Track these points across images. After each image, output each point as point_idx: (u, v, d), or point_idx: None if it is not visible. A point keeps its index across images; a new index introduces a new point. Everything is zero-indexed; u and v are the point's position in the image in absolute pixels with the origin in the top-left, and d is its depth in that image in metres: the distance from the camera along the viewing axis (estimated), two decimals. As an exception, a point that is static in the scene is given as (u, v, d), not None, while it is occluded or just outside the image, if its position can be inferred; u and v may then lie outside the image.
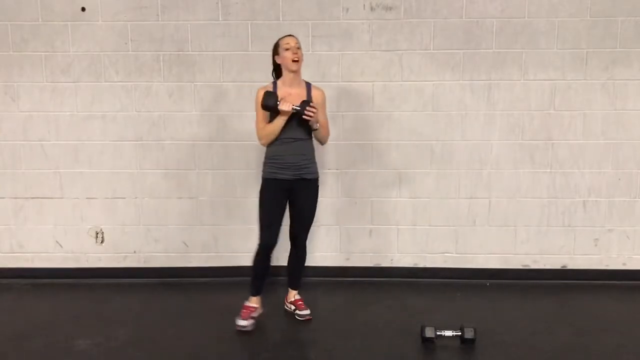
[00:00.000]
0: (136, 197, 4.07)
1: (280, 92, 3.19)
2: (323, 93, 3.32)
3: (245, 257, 4.11)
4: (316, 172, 3.32)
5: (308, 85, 3.31)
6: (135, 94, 3.96)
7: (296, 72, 3.23)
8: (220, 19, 3.87)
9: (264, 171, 3.28)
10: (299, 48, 3.21)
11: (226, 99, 3.95)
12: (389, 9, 3.83)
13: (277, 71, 3.31)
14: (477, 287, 3.97)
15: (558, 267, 4.06)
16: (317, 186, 3.34)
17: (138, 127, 3.99)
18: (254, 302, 3.37)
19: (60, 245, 4.13)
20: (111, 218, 4.09)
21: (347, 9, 3.84)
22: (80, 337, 3.21)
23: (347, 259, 4.13)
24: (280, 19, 3.85)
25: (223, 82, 3.93)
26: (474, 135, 3.94)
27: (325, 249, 4.12)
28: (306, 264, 4.11)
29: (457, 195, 4.01)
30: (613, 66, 3.84)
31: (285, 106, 3.09)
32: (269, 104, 3.11)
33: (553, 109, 3.90)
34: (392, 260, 4.11)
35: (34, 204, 4.08)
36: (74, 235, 4.11)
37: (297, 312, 3.46)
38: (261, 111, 3.17)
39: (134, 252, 4.13)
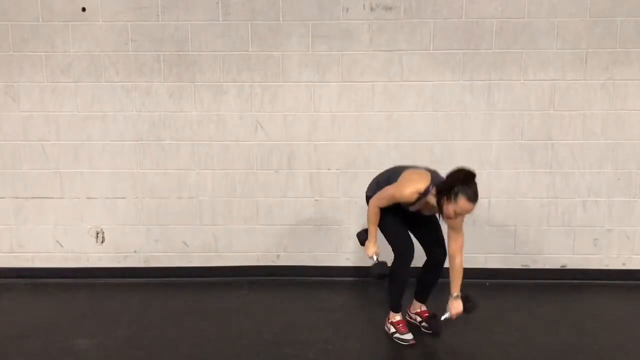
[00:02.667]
0: (136, 197, 4.07)
1: (423, 200, 2.97)
2: None
3: (245, 257, 4.14)
4: None
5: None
6: (135, 94, 3.96)
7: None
8: (220, 19, 3.87)
9: None
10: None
11: (226, 99, 3.95)
12: (389, 9, 3.83)
13: (442, 191, 2.87)
14: (477, 287, 3.96)
15: (558, 267, 4.06)
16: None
17: (138, 127, 3.99)
18: (399, 316, 3.25)
19: (61, 245, 4.13)
20: (111, 218, 4.09)
21: (347, 9, 3.84)
22: (80, 337, 3.21)
23: (347, 259, 4.13)
24: (280, 19, 3.85)
25: (223, 82, 3.93)
26: (474, 135, 3.94)
27: (324, 249, 4.12)
28: (306, 264, 4.15)
29: (457, 195, 4.00)
30: (613, 66, 3.84)
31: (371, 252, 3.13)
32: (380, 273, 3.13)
33: (553, 109, 3.90)
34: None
35: (34, 203, 4.08)
36: (74, 235, 4.12)
37: (424, 323, 3.31)
38: (391, 194, 2.99)
39: (134, 252, 4.13)
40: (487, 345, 3.10)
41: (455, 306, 3.07)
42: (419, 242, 3.24)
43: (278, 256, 4.13)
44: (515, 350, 3.06)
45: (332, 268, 4.11)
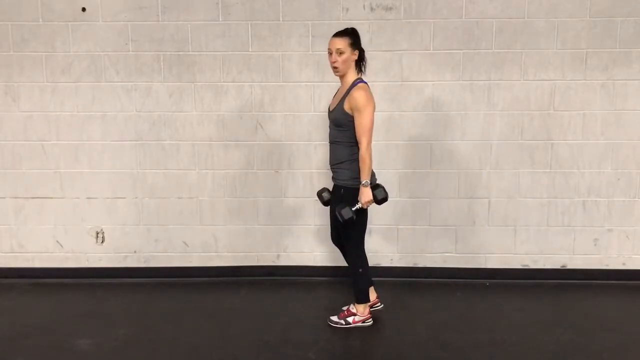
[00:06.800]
0: (136, 197, 4.07)
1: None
2: (354, 98, 3.07)
3: (245, 257, 4.14)
4: (343, 180, 3.17)
5: (350, 88, 3.13)
6: (136, 94, 3.96)
7: (341, 77, 3.20)
8: (220, 19, 3.87)
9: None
10: (340, 53, 3.09)
11: (226, 99, 3.95)
12: (389, 9, 3.84)
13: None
14: (477, 287, 3.97)
15: (558, 266, 4.06)
16: (342, 194, 3.17)
17: (138, 127, 3.99)
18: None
19: (61, 245, 4.13)
20: (111, 218, 4.09)
21: (347, 9, 3.84)
22: (80, 337, 3.22)
23: (347, 259, 4.13)
24: (280, 19, 3.86)
25: (223, 82, 3.94)
26: (474, 135, 3.94)
27: (325, 249, 4.12)
28: (306, 264, 4.14)
29: (457, 195, 4.01)
30: (613, 66, 3.84)
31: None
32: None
33: (553, 109, 3.90)
34: (392, 260, 4.11)
35: (34, 203, 4.08)
36: (75, 235, 4.12)
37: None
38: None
39: (135, 252, 4.13)
40: (487, 345, 3.10)
41: (364, 194, 3.12)
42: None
43: (278, 256, 4.13)
44: (515, 350, 3.06)
45: (331, 268, 4.11)
